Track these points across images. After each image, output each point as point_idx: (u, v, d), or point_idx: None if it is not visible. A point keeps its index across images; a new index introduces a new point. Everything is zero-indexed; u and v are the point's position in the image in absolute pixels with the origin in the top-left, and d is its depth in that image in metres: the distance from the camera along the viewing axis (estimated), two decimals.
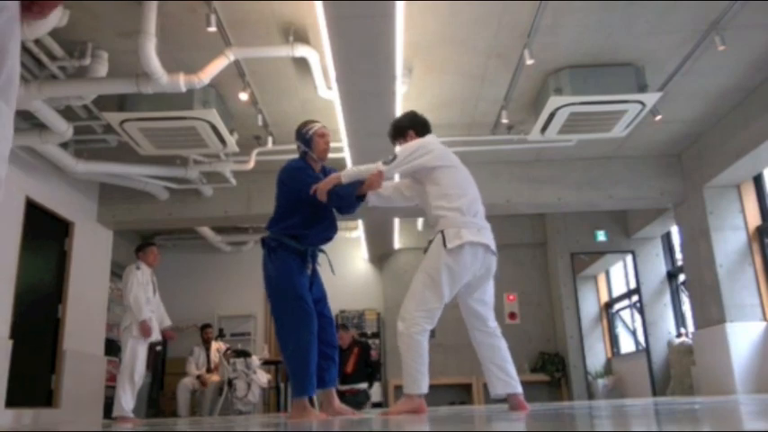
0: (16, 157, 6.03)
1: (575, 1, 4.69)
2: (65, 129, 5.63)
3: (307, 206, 3.68)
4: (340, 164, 6.88)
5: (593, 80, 5.59)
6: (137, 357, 5.89)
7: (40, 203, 6.44)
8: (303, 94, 5.92)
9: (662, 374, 8.88)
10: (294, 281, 3.65)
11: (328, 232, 3.84)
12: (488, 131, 6.88)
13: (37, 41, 4.74)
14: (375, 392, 8.16)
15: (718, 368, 6.86)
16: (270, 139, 6.60)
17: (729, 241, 7.01)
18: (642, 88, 5.62)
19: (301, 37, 4.97)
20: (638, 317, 9.61)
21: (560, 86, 5.64)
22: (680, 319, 9.10)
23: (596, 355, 9.99)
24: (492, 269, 3.52)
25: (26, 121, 5.78)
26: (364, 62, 4.70)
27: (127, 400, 5.80)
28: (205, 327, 8.62)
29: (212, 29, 4.52)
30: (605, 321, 10.35)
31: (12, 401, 5.66)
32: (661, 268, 9.42)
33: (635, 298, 9.63)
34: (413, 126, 3.72)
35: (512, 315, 10.02)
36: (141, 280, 6.05)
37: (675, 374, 8.42)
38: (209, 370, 8.28)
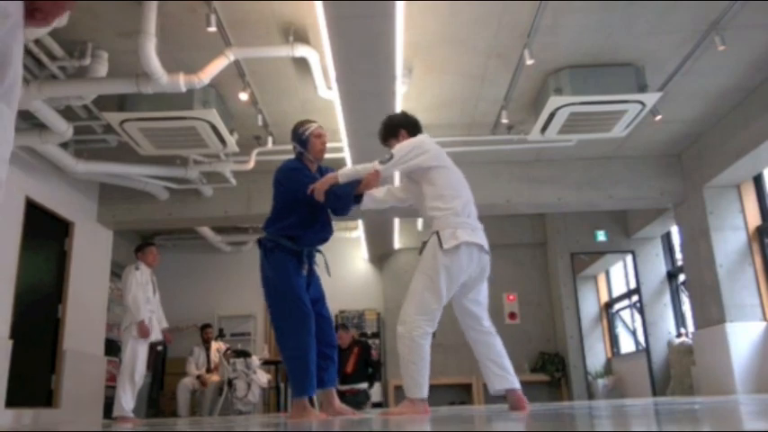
0: (16, 157, 6.02)
1: (575, 1, 4.69)
2: (65, 129, 5.63)
3: (303, 206, 3.67)
4: (339, 164, 6.88)
5: (593, 80, 5.59)
6: (137, 357, 5.89)
7: (40, 203, 6.44)
8: (303, 94, 5.92)
9: (662, 374, 8.88)
10: (292, 282, 3.65)
11: (324, 233, 3.84)
12: (488, 131, 6.88)
13: (37, 41, 4.75)
14: (375, 392, 8.14)
15: (718, 368, 6.86)
16: (270, 139, 6.60)
17: (729, 241, 7.01)
18: (642, 88, 5.62)
19: (301, 37, 4.97)
20: (638, 317, 9.61)
21: (560, 86, 5.64)
22: (680, 319, 9.10)
23: (596, 355, 9.98)
24: (486, 269, 3.53)
25: (26, 121, 5.78)
26: (364, 62, 4.70)
27: (127, 400, 5.80)
28: (205, 327, 8.62)
29: (212, 29, 4.52)
30: (605, 321, 10.35)
31: (12, 401, 5.66)
32: (661, 268, 9.42)
33: (635, 298, 9.63)
34: (405, 125, 3.71)
35: (512, 315, 10.02)
36: (140, 280, 6.05)
37: (675, 374, 8.42)
38: (209, 370, 8.28)
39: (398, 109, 5.55)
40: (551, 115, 5.89)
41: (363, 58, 4.66)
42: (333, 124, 6.18)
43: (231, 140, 6.11)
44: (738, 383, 6.50)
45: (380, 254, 10.26)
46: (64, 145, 6.14)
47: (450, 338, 9.00)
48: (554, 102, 5.68)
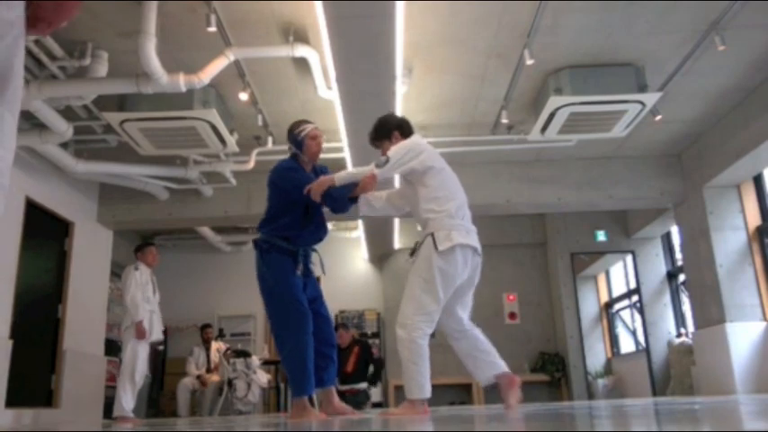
0: (16, 157, 5.98)
1: (575, 1, 4.69)
2: (65, 129, 5.63)
3: (298, 207, 3.67)
4: (339, 164, 6.88)
5: (593, 80, 5.59)
6: (137, 357, 5.89)
7: (40, 203, 6.44)
8: (303, 94, 5.92)
9: (662, 374, 8.88)
10: (288, 283, 3.65)
11: (319, 233, 3.83)
12: (488, 131, 6.88)
13: (37, 41, 4.75)
14: (375, 392, 8.12)
15: (718, 368, 6.86)
16: (270, 139, 6.60)
17: (729, 241, 7.01)
18: (642, 88, 5.62)
19: (301, 37, 4.96)
20: (638, 317, 9.61)
21: (560, 86, 5.64)
22: (680, 319, 9.10)
23: (596, 355, 9.98)
24: (478, 272, 3.53)
25: (26, 121, 5.78)
26: (364, 62, 4.70)
27: (127, 400, 5.79)
28: (205, 327, 8.62)
29: (212, 29, 4.52)
30: (605, 321, 10.35)
31: (12, 401, 5.66)
32: (661, 268, 9.42)
33: (635, 298, 9.63)
34: (398, 127, 3.71)
35: (512, 315, 10.02)
36: (140, 280, 6.04)
37: (675, 374, 8.42)
38: (209, 370, 8.28)
39: (399, 109, 5.56)
40: (551, 115, 5.89)
41: (363, 58, 4.66)
42: (333, 124, 6.18)
43: (231, 140, 6.11)
44: (738, 383, 6.50)
45: (380, 254, 10.26)
46: (64, 145, 6.14)
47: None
48: (554, 102, 5.68)
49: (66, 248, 6.93)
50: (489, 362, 3.51)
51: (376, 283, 10.44)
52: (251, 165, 6.85)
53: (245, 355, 7.85)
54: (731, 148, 6.58)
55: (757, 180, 7.08)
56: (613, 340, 10.20)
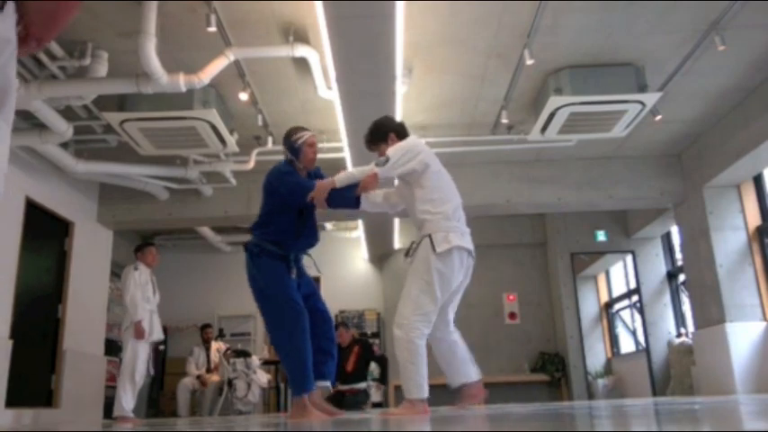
0: (16, 157, 6.03)
1: (575, 1, 4.69)
2: (65, 129, 5.63)
3: (292, 212, 3.68)
4: (339, 164, 6.88)
5: (593, 80, 5.59)
6: (137, 357, 5.89)
7: (40, 203, 6.44)
8: (303, 94, 5.92)
9: (662, 374, 8.88)
10: (282, 283, 3.66)
11: (311, 239, 3.83)
12: (488, 131, 6.88)
13: None
14: (374, 392, 8.10)
15: (718, 368, 6.86)
16: (270, 139, 6.60)
17: (729, 241, 7.01)
18: (642, 88, 5.62)
19: (301, 37, 4.96)
20: (638, 317, 9.61)
21: (560, 86, 5.64)
22: (680, 319, 9.10)
23: (596, 355, 9.98)
24: (470, 273, 3.56)
25: (26, 121, 5.78)
26: (364, 62, 4.70)
27: (127, 400, 5.79)
28: (205, 327, 8.62)
29: (212, 29, 4.52)
30: (605, 321, 10.34)
31: (12, 401, 5.66)
32: (661, 268, 9.42)
33: (635, 298, 9.63)
34: (394, 129, 3.73)
35: (512, 315, 10.02)
36: (139, 280, 6.04)
37: (675, 374, 8.42)
38: (209, 370, 8.28)
39: (399, 109, 5.56)
40: (551, 115, 5.89)
41: (363, 58, 4.66)
42: (333, 124, 6.18)
43: (231, 140, 6.11)
44: (738, 383, 6.50)
45: (380, 254, 10.26)
46: (64, 145, 6.14)
47: None
48: (554, 102, 5.68)
49: (66, 248, 6.93)
50: (463, 370, 3.58)
51: (376, 283, 10.44)
52: (251, 165, 6.85)
53: (245, 355, 7.85)
54: (731, 148, 6.58)
55: (757, 180, 7.08)
56: (613, 340, 10.20)
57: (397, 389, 9.15)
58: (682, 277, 8.89)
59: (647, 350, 9.04)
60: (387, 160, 3.43)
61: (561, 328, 9.64)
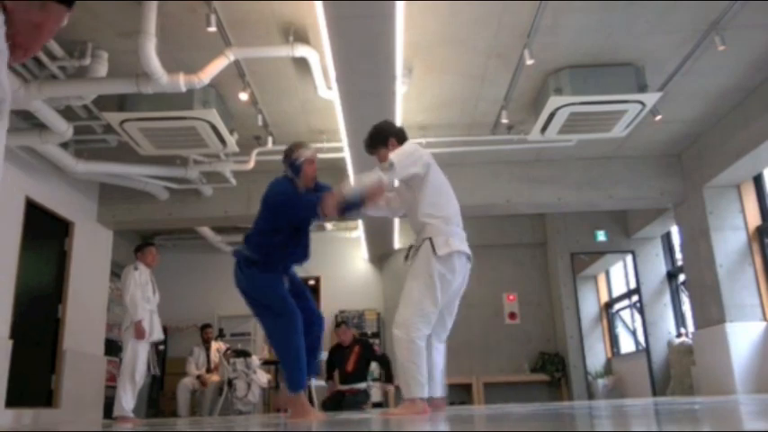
0: (16, 157, 6.03)
1: (575, 1, 4.69)
2: (65, 129, 5.63)
3: (288, 230, 3.67)
4: (339, 164, 6.89)
5: (593, 80, 5.59)
6: (137, 357, 5.89)
7: (40, 203, 6.44)
8: (303, 94, 5.92)
9: (662, 374, 8.88)
10: (271, 286, 3.68)
11: (302, 257, 3.83)
12: (488, 131, 6.88)
13: None
14: (375, 392, 8.10)
15: (718, 368, 6.86)
16: (270, 139, 6.60)
17: (729, 241, 7.01)
18: (642, 88, 5.62)
19: (301, 37, 4.96)
20: (638, 317, 9.61)
21: (560, 86, 5.64)
22: (680, 319, 9.10)
23: (596, 355, 9.98)
24: (467, 277, 3.59)
25: (26, 121, 5.78)
26: (364, 62, 4.70)
27: (127, 400, 5.79)
28: (205, 327, 8.62)
29: (212, 29, 4.52)
30: (605, 321, 10.34)
31: (12, 401, 5.66)
32: (661, 268, 9.42)
33: (635, 298, 9.63)
34: (394, 133, 3.75)
35: (512, 315, 10.01)
36: (139, 280, 6.03)
37: (675, 374, 8.42)
38: (209, 370, 8.28)
39: (399, 109, 5.56)
40: (551, 115, 5.89)
41: (363, 58, 4.66)
42: (333, 124, 6.18)
43: (231, 140, 6.11)
44: (738, 383, 6.50)
45: (380, 254, 10.26)
46: (64, 145, 6.14)
47: (450, 338, 8.99)
48: (554, 102, 5.68)
49: (66, 248, 6.93)
50: (443, 385, 3.64)
51: (376, 283, 10.44)
52: (251, 165, 6.85)
53: (245, 354, 7.85)
54: (731, 148, 6.58)
55: (757, 180, 7.08)
56: (613, 340, 10.20)
57: (398, 389, 9.15)
58: (682, 277, 8.89)
59: (647, 350, 9.04)
60: (391, 165, 3.42)
61: (561, 328, 9.64)
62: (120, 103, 5.60)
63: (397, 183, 3.73)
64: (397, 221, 8.97)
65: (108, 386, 7.38)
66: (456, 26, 4.98)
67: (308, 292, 3.93)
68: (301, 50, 4.94)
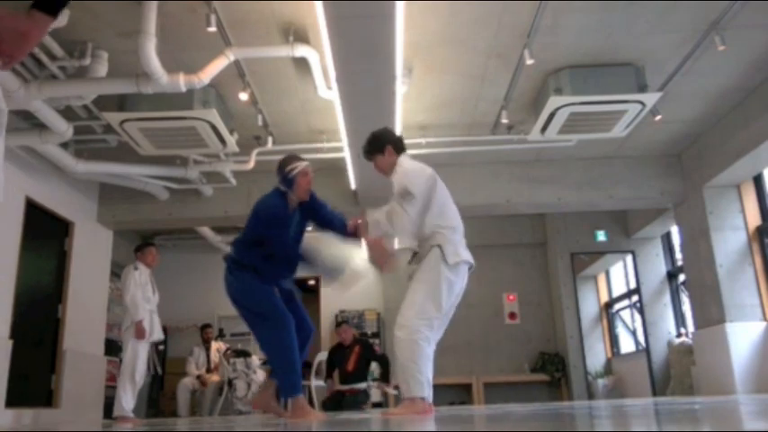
0: (16, 157, 6.03)
1: (575, 1, 4.69)
2: (65, 129, 5.63)
3: (271, 244, 3.68)
4: (339, 164, 6.89)
5: (593, 80, 5.59)
6: (137, 357, 5.89)
7: (40, 203, 6.44)
8: (303, 94, 5.92)
9: (662, 374, 8.88)
10: (261, 290, 3.68)
11: (289, 272, 3.84)
12: (488, 131, 6.88)
13: None
14: (375, 392, 8.09)
15: (718, 368, 6.86)
16: (270, 139, 6.60)
17: (729, 241, 7.01)
18: (642, 88, 5.61)
19: (301, 37, 4.96)
20: (638, 317, 9.61)
21: (560, 86, 5.64)
22: (680, 319, 9.10)
23: (596, 355, 9.98)
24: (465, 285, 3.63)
25: (26, 121, 5.78)
26: (364, 62, 4.70)
27: (127, 400, 5.79)
28: (205, 327, 8.62)
29: (212, 29, 4.52)
30: (605, 321, 10.34)
31: (12, 401, 5.66)
32: (661, 268, 9.42)
33: (635, 298, 9.63)
34: (392, 141, 3.77)
35: (512, 315, 10.02)
36: (139, 280, 6.04)
37: (675, 374, 8.42)
38: (209, 370, 8.28)
39: (399, 109, 5.56)
40: (551, 115, 5.89)
41: (363, 58, 4.65)
42: (333, 124, 6.18)
43: (231, 140, 6.11)
44: (738, 383, 6.50)
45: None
46: (64, 145, 6.14)
47: (450, 338, 8.93)
48: (554, 102, 5.68)
49: (66, 248, 6.93)
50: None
51: (376, 283, 10.43)
52: (251, 165, 6.85)
53: (245, 354, 7.85)
54: (731, 148, 6.58)
55: (757, 180, 7.08)
56: (613, 340, 10.20)
57: (397, 389, 9.15)
58: (682, 277, 8.89)
59: (647, 350, 9.04)
60: (410, 194, 3.46)
61: (561, 328, 9.64)
62: (120, 103, 5.60)
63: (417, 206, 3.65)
64: None
65: (108, 386, 7.38)
66: (456, 26, 4.98)
67: (299, 300, 3.93)
68: (301, 50, 4.94)
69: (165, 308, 6.59)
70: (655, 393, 8.79)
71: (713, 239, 7.02)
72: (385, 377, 7.20)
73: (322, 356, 7.95)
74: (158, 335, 6.21)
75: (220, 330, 9.14)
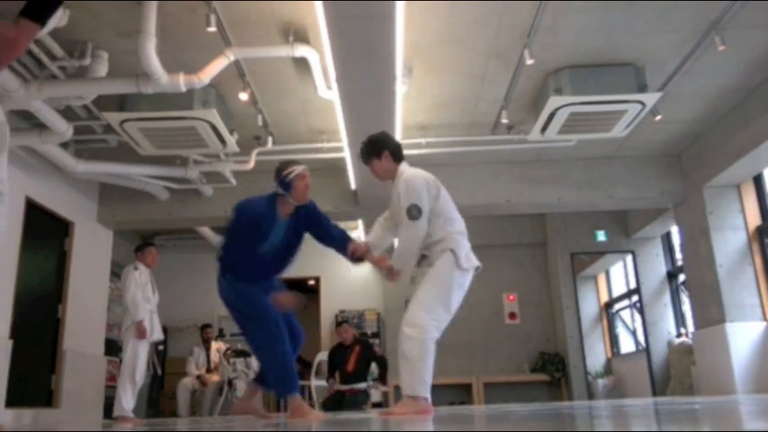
0: (16, 157, 6.03)
1: (575, 1, 4.69)
2: (65, 129, 5.63)
3: (252, 245, 3.72)
4: (339, 164, 6.88)
5: (593, 80, 5.59)
6: (138, 357, 5.89)
7: (40, 203, 6.44)
8: (303, 94, 5.92)
9: (662, 374, 8.88)
10: (250, 293, 3.69)
11: (275, 272, 3.88)
12: (488, 131, 6.88)
13: (37, 41, 4.74)
14: (375, 392, 8.09)
15: (718, 368, 6.86)
16: (270, 139, 6.60)
17: (729, 241, 7.01)
18: (642, 88, 5.61)
19: (301, 37, 4.96)
20: (638, 317, 9.61)
21: (560, 86, 5.64)
22: (680, 319, 9.10)
23: (596, 355, 9.98)
24: None
25: (26, 121, 5.78)
26: (364, 62, 4.69)
27: (127, 400, 5.79)
28: (205, 327, 8.62)
29: (212, 29, 4.52)
30: (605, 321, 10.34)
31: (12, 401, 5.65)
32: (661, 268, 9.42)
33: (635, 298, 9.63)
34: (390, 148, 3.77)
35: (512, 315, 10.02)
36: (139, 280, 6.04)
37: (675, 374, 8.42)
38: (209, 370, 8.28)
39: (398, 109, 5.55)
40: (551, 115, 5.89)
41: (363, 58, 4.65)
42: (333, 124, 6.18)
43: (231, 140, 6.11)
44: (738, 383, 6.50)
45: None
46: (64, 145, 6.14)
47: (450, 338, 8.92)
48: (554, 102, 5.68)
49: (66, 248, 6.93)
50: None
51: (376, 283, 10.44)
52: (251, 165, 6.85)
53: (245, 354, 7.85)
54: (731, 148, 6.58)
55: (757, 180, 7.08)
56: (613, 340, 10.20)
57: (397, 389, 9.15)
58: (682, 277, 8.89)
59: (647, 350, 9.04)
60: (418, 210, 3.48)
61: (561, 328, 9.65)
62: (120, 103, 5.60)
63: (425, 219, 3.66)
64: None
65: (108, 386, 7.38)
66: (456, 26, 4.98)
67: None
68: (301, 50, 4.94)
69: (165, 308, 6.59)
70: (655, 393, 8.79)
71: (713, 239, 7.02)
72: (382, 378, 7.21)
73: (322, 356, 7.95)
74: (158, 335, 6.21)
75: (220, 330, 9.14)
